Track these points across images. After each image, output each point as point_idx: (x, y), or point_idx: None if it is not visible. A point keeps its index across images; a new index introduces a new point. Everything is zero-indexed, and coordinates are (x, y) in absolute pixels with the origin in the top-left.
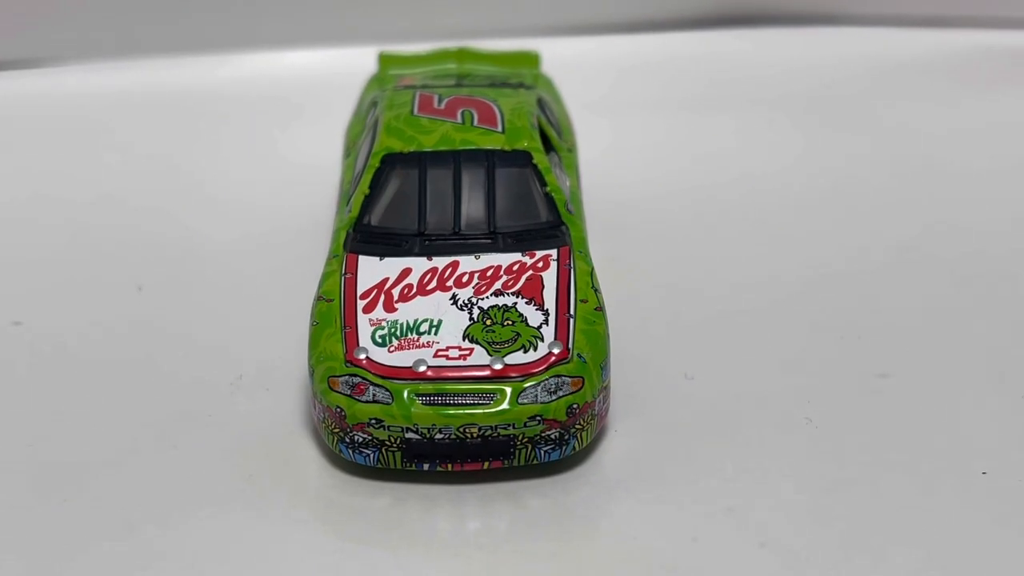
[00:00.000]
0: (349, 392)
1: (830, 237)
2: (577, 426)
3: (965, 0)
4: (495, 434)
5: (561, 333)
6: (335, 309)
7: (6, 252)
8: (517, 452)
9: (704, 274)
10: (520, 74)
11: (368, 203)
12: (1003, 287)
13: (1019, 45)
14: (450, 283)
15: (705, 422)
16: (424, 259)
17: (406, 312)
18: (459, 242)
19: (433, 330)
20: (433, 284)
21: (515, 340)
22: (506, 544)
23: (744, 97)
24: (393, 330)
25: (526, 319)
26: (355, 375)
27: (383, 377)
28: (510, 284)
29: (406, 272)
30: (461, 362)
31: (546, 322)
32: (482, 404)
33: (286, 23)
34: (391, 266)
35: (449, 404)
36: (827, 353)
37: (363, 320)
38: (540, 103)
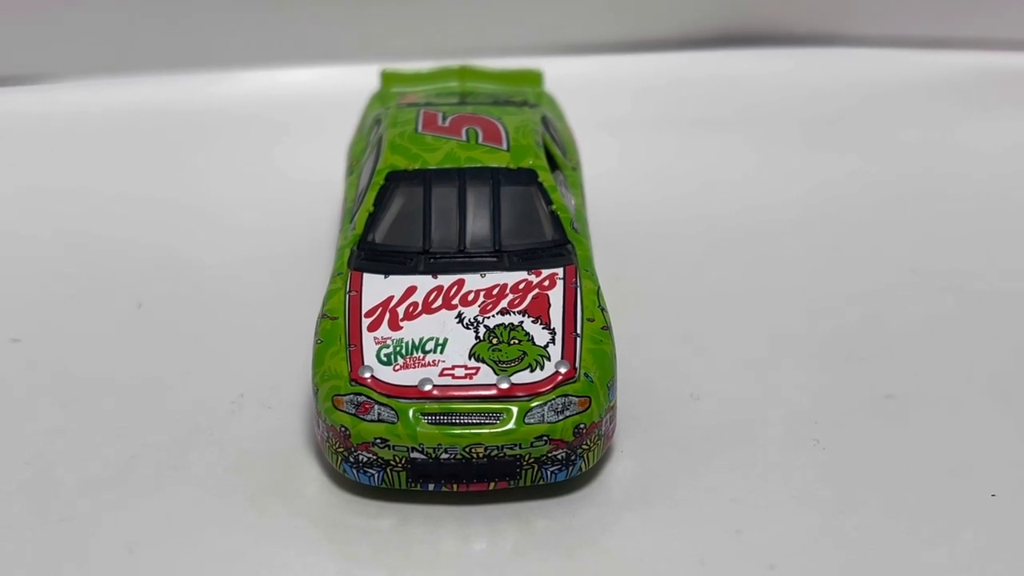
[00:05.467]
0: (354, 411)
1: (836, 257)
2: (584, 446)
3: (969, 21)
4: (501, 454)
5: (568, 352)
6: (339, 327)
7: (5, 268)
8: (523, 472)
9: (710, 293)
10: (523, 92)
11: (372, 221)
12: (1009, 307)
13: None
14: (456, 301)
15: (712, 443)
16: (429, 277)
17: (411, 330)
18: (464, 260)
19: (439, 349)
20: (439, 302)
21: (522, 359)
22: (511, 565)
23: (746, 117)
24: (398, 348)
25: (532, 338)
26: (360, 394)
27: (388, 396)
28: (516, 303)
29: (411, 290)
30: (467, 381)
31: (553, 341)
32: (488, 424)
33: (288, 41)
34: (396, 284)
35: (455, 423)
36: (833, 374)
37: (368, 338)
38: (544, 121)
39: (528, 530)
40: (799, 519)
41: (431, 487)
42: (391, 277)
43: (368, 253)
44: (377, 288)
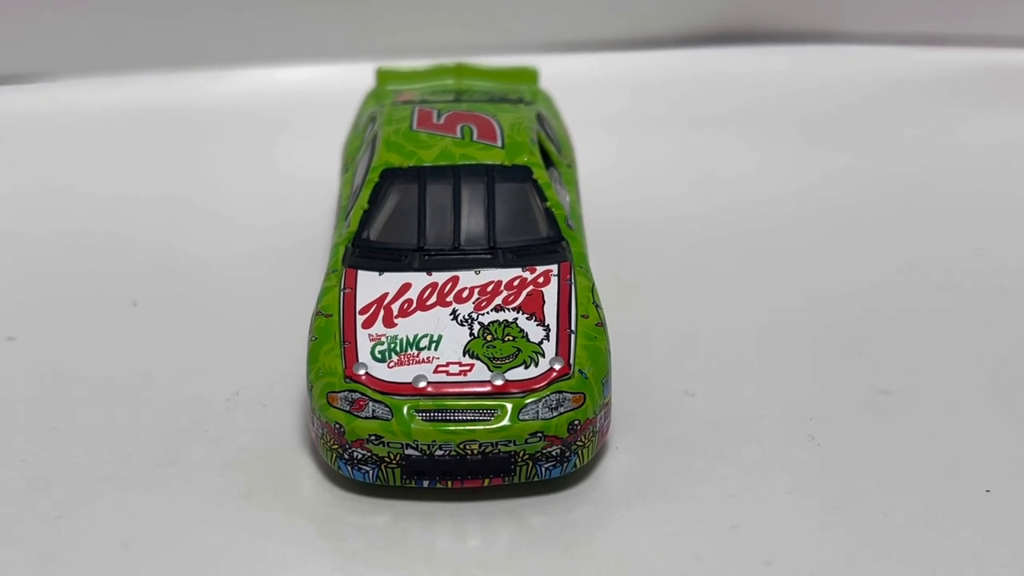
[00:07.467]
0: (348, 408)
1: (832, 254)
2: (578, 443)
3: (967, 19)
4: (496, 451)
5: (562, 349)
6: (334, 324)
7: (1, 267)
8: (518, 469)
9: (706, 290)
10: (518, 90)
11: (367, 218)
12: (1006, 304)
13: (1020, 63)
14: (450, 298)
15: (707, 439)
16: (424, 274)
17: (406, 327)
18: (459, 257)
19: (433, 345)
20: (433, 299)
21: (516, 356)
22: (506, 562)
23: (744, 114)
24: (393, 345)
25: (527, 335)
26: (354, 391)
27: (383, 393)
28: (511, 299)
29: (406, 287)
30: (461, 378)
31: (547, 338)
32: (483, 420)
33: (284, 39)
34: (390, 281)
35: (449, 420)
36: (829, 370)
37: (362, 335)
38: (539, 118)
39: (523, 527)
40: (795, 515)
41: (426, 484)
42: (386, 274)
43: (363, 250)
44: (372, 285)
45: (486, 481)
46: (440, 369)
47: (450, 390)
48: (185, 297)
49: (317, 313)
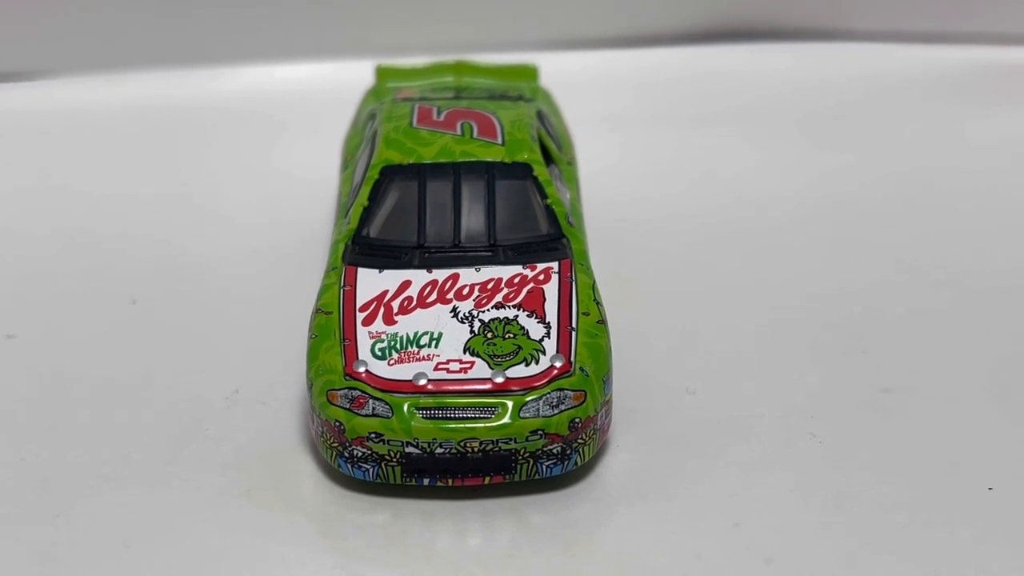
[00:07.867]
0: (348, 406)
1: (833, 252)
2: (579, 441)
3: (967, 16)
4: (496, 448)
5: (563, 346)
6: (334, 322)
7: (0, 265)
8: (518, 467)
9: (706, 288)
10: (518, 87)
11: (367, 215)
12: (1006, 302)
13: (1020, 60)
14: (450, 295)
15: (708, 437)
16: (424, 271)
17: (406, 325)
18: (459, 254)
19: (433, 343)
20: (433, 297)
21: (516, 353)
22: (507, 560)
23: (745, 112)
24: (393, 343)
25: (527, 332)
26: (354, 388)
27: (383, 390)
28: (511, 297)
29: (406, 284)
30: (462, 375)
31: (548, 335)
32: (483, 418)
33: (283, 36)
34: (391, 278)
35: (450, 418)
36: (830, 368)
37: (362, 333)
38: (540, 115)
39: (524, 525)
40: (796, 513)
41: (426, 482)
42: (386, 271)
43: (363, 248)
44: (372, 282)
45: (487, 479)
46: (440, 367)
47: (451, 388)
48: (185, 296)
49: (317, 311)
